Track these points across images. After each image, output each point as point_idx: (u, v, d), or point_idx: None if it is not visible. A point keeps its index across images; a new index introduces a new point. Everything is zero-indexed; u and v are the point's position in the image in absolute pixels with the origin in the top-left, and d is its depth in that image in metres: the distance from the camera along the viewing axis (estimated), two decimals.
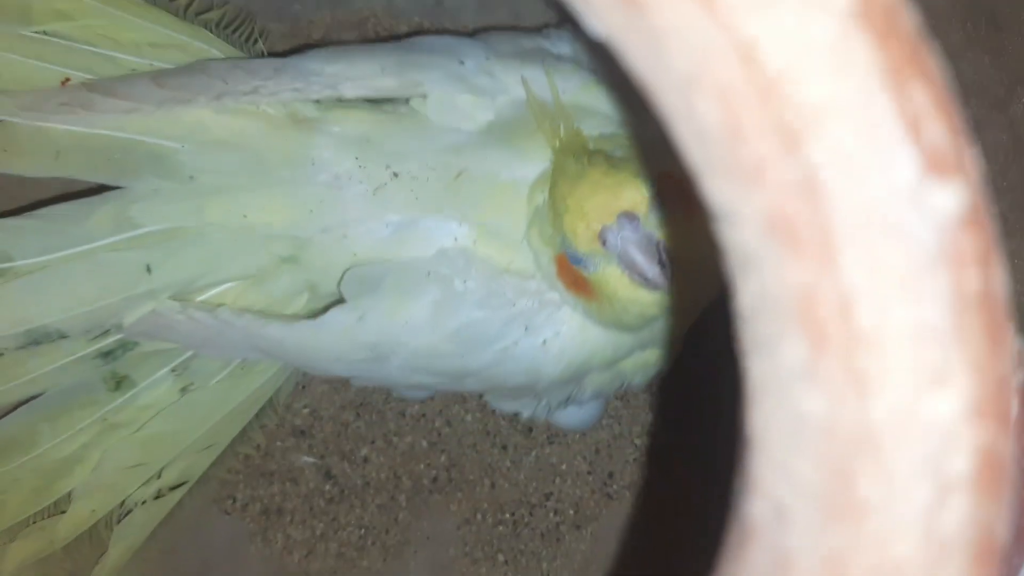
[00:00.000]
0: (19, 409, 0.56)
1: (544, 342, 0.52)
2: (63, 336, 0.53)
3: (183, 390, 0.57)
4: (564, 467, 0.70)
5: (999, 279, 0.18)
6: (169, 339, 0.55)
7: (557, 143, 0.49)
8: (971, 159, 0.18)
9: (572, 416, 0.68)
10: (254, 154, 0.52)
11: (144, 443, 0.57)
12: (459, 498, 0.69)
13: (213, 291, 0.54)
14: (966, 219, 0.17)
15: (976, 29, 0.67)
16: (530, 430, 0.70)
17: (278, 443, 0.69)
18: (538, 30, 0.59)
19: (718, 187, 0.18)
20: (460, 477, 0.70)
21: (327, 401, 0.70)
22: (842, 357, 0.18)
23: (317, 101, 0.53)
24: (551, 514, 0.69)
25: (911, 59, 0.17)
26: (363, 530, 0.69)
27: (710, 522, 0.24)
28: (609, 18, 0.18)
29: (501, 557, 0.69)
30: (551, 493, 0.70)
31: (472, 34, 0.58)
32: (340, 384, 0.70)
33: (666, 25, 0.17)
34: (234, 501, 0.68)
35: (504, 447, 0.70)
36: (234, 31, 0.58)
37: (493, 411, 0.70)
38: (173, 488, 0.59)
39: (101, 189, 0.54)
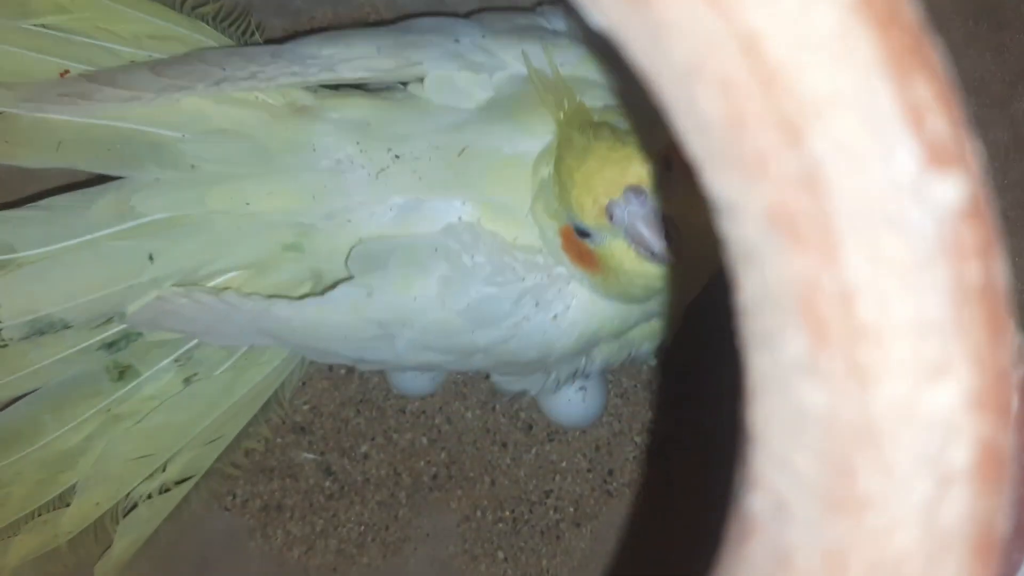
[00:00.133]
0: (21, 400, 0.56)
1: (555, 317, 0.52)
2: (67, 326, 0.53)
3: (187, 380, 0.57)
4: (564, 464, 0.70)
5: (1000, 272, 0.18)
6: (173, 327, 0.55)
7: (561, 115, 0.49)
8: (972, 151, 0.18)
9: (572, 413, 0.68)
10: (255, 142, 0.52)
11: (148, 434, 0.57)
12: (459, 495, 0.69)
13: (216, 280, 0.54)
14: (967, 211, 0.17)
15: (978, 26, 0.67)
16: (530, 427, 0.70)
17: (278, 439, 0.69)
18: (531, 8, 0.58)
19: (720, 180, 0.18)
20: (460, 474, 0.70)
21: (327, 398, 0.70)
22: (843, 350, 0.18)
23: (315, 91, 0.53)
24: (551, 511, 0.69)
25: (913, 50, 0.17)
26: (363, 527, 0.69)
27: (710, 518, 0.24)
28: (610, 8, 0.18)
29: (501, 554, 0.69)
30: (551, 490, 0.70)
31: (467, 15, 0.58)
32: (340, 381, 0.70)
33: (668, 16, 0.17)
34: (234, 497, 0.68)
35: (504, 444, 0.70)
36: (231, 24, 0.59)
37: (493, 408, 0.70)
38: (179, 482, 0.59)
39: (103, 179, 0.54)
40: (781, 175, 0.17)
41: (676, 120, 0.19)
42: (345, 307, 0.52)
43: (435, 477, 0.69)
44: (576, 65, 0.52)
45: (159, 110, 0.52)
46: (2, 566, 0.57)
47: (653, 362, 0.71)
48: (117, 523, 0.59)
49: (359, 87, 0.55)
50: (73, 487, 0.57)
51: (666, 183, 0.46)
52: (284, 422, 0.69)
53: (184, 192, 0.52)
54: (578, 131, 0.47)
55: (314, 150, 0.52)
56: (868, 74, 0.17)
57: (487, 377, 0.67)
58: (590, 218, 0.46)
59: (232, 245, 0.53)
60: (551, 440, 0.70)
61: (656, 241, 0.45)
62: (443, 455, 0.70)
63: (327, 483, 0.69)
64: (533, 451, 0.70)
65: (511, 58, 0.52)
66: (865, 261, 0.17)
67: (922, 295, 0.17)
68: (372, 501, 0.69)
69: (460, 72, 0.52)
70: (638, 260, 0.47)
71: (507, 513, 0.69)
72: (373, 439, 0.70)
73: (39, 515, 0.57)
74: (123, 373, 0.56)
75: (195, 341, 0.57)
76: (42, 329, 0.53)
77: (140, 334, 0.56)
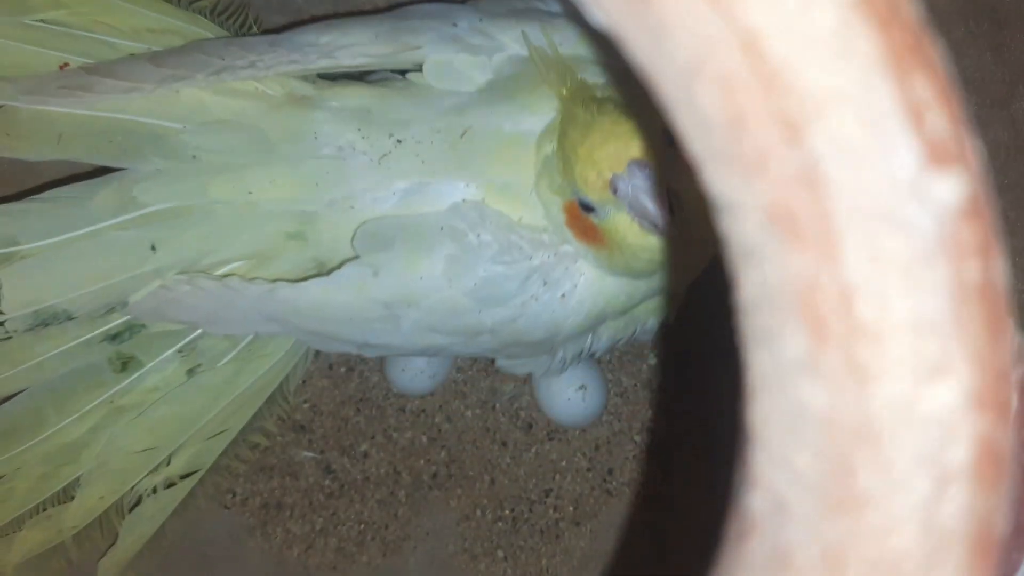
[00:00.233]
0: (24, 392, 0.56)
1: (563, 296, 0.52)
2: (70, 317, 0.53)
3: (190, 372, 0.57)
4: (564, 463, 0.70)
5: (1000, 271, 0.18)
6: (176, 316, 0.55)
7: (564, 91, 0.49)
8: (972, 150, 0.18)
9: (572, 412, 0.68)
10: (256, 131, 0.52)
11: (152, 427, 0.57)
12: (459, 494, 0.69)
13: (218, 271, 0.54)
14: (967, 210, 0.17)
15: (978, 26, 0.67)
16: (530, 426, 0.70)
17: (278, 438, 0.69)
18: None
19: (720, 178, 0.18)
20: (460, 473, 0.70)
21: (327, 396, 0.70)
22: (842, 349, 0.18)
23: (313, 82, 0.53)
24: (550, 510, 0.69)
25: (914, 49, 0.17)
26: (362, 525, 0.69)
27: (709, 517, 0.24)
28: (611, 7, 0.18)
29: (500, 553, 0.69)
30: (551, 489, 0.70)
31: (463, 1, 0.58)
32: (340, 379, 0.70)
33: (668, 14, 0.17)
34: (234, 495, 0.68)
35: (504, 443, 0.70)
36: (228, 17, 0.59)
37: (493, 407, 0.70)
38: (183, 477, 0.59)
39: (104, 172, 0.54)
40: (781, 173, 0.17)
41: (676, 118, 0.19)
42: (350, 287, 0.52)
43: (435, 476, 0.70)
44: (575, 44, 0.52)
45: (159, 102, 0.52)
46: (6, 562, 0.57)
47: (653, 361, 0.71)
48: (123, 518, 0.59)
49: (358, 78, 0.55)
50: (76, 481, 0.57)
51: (669, 157, 0.46)
52: (284, 420, 0.69)
53: (186, 182, 0.53)
54: (581, 106, 0.47)
55: (315, 138, 0.52)
56: (868, 73, 0.17)
57: (492, 362, 0.66)
58: (594, 192, 0.46)
59: (234, 234, 0.53)
60: (551, 439, 0.70)
61: (659, 214, 0.45)
62: (443, 454, 0.70)
63: (327, 482, 0.69)
64: (533, 450, 0.70)
65: (509, 40, 0.52)
66: (865, 260, 0.17)
67: (922, 294, 0.17)
68: (372, 500, 0.69)
69: (459, 55, 0.52)
70: (642, 234, 0.47)
71: (507, 512, 0.69)
72: (373, 438, 0.70)
73: (43, 510, 0.57)
74: (126, 364, 0.56)
75: (198, 332, 0.57)
76: (46, 321, 0.53)
77: (143, 325, 0.56)
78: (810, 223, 0.18)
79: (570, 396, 0.67)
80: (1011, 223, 0.65)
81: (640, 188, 0.45)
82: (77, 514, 0.57)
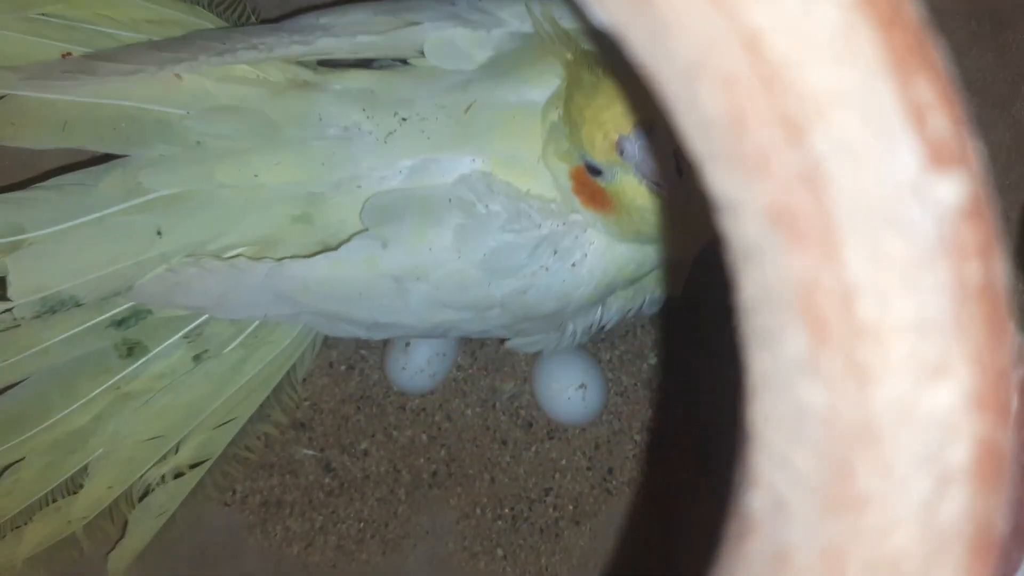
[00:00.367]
0: (29, 379, 0.56)
1: (573, 265, 0.52)
2: (77, 303, 0.53)
3: (196, 358, 0.57)
4: (563, 462, 0.70)
5: (1000, 272, 0.18)
6: (183, 301, 0.55)
7: (569, 55, 0.48)
8: (974, 151, 0.18)
9: (572, 411, 0.68)
10: (260, 116, 0.52)
11: (159, 414, 0.57)
12: (458, 492, 0.69)
13: (225, 256, 0.54)
14: (968, 211, 0.17)
15: (980, 27, 0.67)
16: (530, 425, 0.70)
17: (278, 435, 0.69)
18: None
19: (721, 177, 0.18)
20: (459, 471, 0.70)
21: (327, 394, 0.70)
22: (843, 349, 0.18)
23: (314, 68, 0.54)
24: (550, 509, 0.69)
25: (915, 50, 0.17)
26: (362, 523, 0.69)
27: (710, 517, 0.24)
28: (613, 6, 0.18)
29: (500, 552, 0.69)
30: (550, 488, 0.70)
31: None
32: (341, 377, 0.70)
33: (670, 14, 0.17)
34: (233, 493, 0.68)
35: (504, 442, 0.70)
36: (226, 9, 0.59)
37: (494, 406, 0.70)
38: (192, 467, 0.59)
39: (109, 159, 0.55)
40: (782, 173, 0.17)
41: (678, 117, 0.19)
42: (359, 261, 0.52)
43: (435, 474, 0.70)
44: (574, 17, 0.52)
45: (163, 89, 0.53)
46: (17, 555, 0.57)
47: (653, 361, 0.71)
48: (133, 507, 0.58)
49: (359, 67, 0.55)
50: (84, 471, 0.57)
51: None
52: (284, 418, 0.69)
53: (191, 168, 0.53)
54: (587, 69, 0.47)
55: (320, 119, 0.52)
56: (870, 73, 0.17)
57: (502, 342, 0.66)
58: (601, 154, 0.46)
59: (240, 218, 0.53)
60: (551, 438, 0.70)
61: (666, 175, 0.45)
62: (443, 452, 0.70)
63: (327, 480, 0.69)
64: (533, 449, 0.70)
65: (507, 15, 0.52)
66: (866, 260, 0.17)
67: (922, 295, 0.17)
68: (372, 498, 0.69)
69: (458, 31, 0.52)
70: (649, 195, 0.47)
71: (506, 511, 0.69)
72: (373, 436, 0.70)
73: (53, 501, 0.57)
74: (132, 350, 0.56)
75: (205, 317, 0.57)
76: (53, 307, 0.53)
77: (149, 311, 0.56)
78: (811, 223, 0.18)
79: (570, 395, 0.67)
80: (1012, 223, 0.65)
81: (647, 148, 0.45)
82: (86, 504, 0.57)
